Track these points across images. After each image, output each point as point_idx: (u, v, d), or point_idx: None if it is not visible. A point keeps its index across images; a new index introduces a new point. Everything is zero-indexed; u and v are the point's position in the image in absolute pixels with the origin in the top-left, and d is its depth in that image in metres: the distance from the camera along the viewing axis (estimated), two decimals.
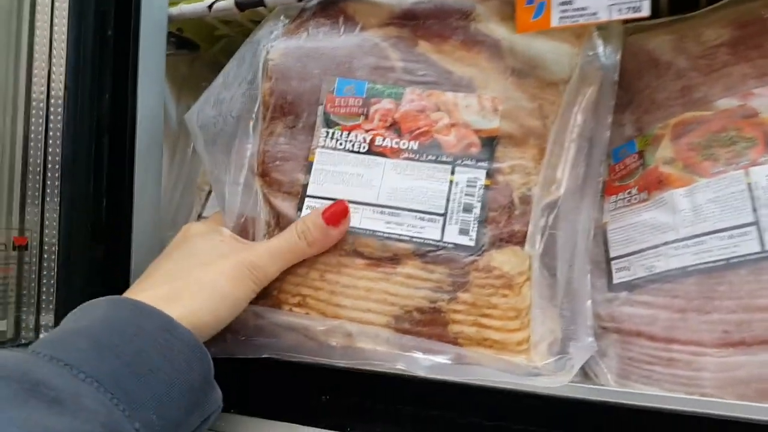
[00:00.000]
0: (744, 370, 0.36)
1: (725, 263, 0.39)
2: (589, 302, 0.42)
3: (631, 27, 0.49)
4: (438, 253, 0.42)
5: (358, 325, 0.41)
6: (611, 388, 0.39)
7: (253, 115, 0.47)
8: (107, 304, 0.34)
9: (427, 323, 0.41)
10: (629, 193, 0.46)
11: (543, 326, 0.41)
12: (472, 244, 0.42)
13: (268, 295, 0.44)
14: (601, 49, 0.46)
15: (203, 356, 0.34)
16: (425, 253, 0.42)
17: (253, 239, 0.45)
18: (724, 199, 0.40)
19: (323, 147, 0.45)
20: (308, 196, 0.45)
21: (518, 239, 0.43)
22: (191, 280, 0.38)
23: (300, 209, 0.44)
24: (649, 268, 0.42)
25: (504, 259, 0.42)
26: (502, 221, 0.43)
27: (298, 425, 0.44)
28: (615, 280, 0.44)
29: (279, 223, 0.45)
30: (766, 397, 0.35)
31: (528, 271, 0.42)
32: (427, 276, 0.42)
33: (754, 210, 0.39)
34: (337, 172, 0.45)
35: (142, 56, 0.46)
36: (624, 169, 0.47)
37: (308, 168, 0.45)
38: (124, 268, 0.43)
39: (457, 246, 0.42)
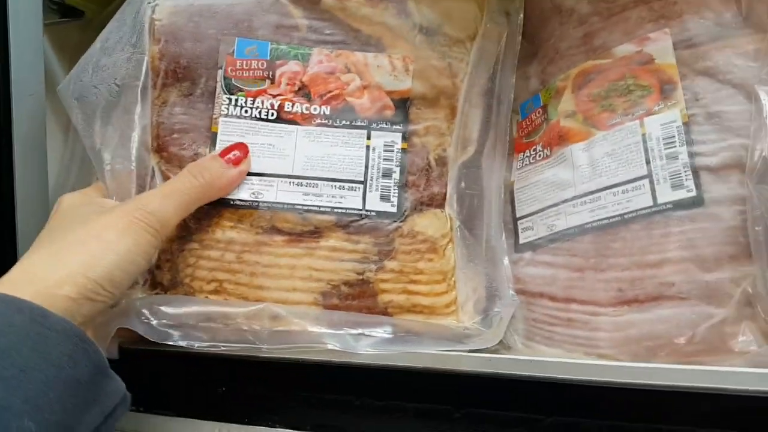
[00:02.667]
0: (636, 329, 0.38)
1: (620, 219, 0.40)
2: (506, 259, 0.45)
3: None
4: (361, 222, 0.43)
5: (284, 306, 0.40)
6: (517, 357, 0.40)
7: (140, 83, 0.43)
8: None
9: (356, 296, 0.42)
10: (534, 150, 0.47)
11: (467, 286, 0.44)
12: (394, 210, 0.43)
13: (179, 283, 0.42)
14: (505, 2, 0.47)
15: (86, 345, 0.31)
16: (348, 223, 0.42)
17: None
18: (620, 153, 0.41)
19: (227, 115, 0.43)
20: None
21: (438, 202, 0.44)
22: (67, 242, 0.34)
23: None
24: (549, 227, 0.44)
25: (427, 223, 0.43)
26: (422, 184, 0.44)
27: (194, 419, 0.44)
28: (520, 241, 0.46)
29: None
30: (655, 355, 0.37)
31: (450, 233, 0.44)
32: (352, 247, 0.42)
33: (647, 162, 0.39)
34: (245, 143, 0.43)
35: (12, 30, 0.41)
36: (530, 125, 0.49)
37: (212, 139, 0.43)
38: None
39: (379, 213, 0.43)
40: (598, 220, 0.41)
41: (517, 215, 0.47)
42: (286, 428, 0.43)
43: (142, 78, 0.44)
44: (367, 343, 0.40)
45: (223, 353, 0.42)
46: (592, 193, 0.42)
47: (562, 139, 0.45)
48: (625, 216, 0.40)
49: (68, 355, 0.29)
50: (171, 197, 0.38)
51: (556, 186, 0.44)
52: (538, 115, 0.48)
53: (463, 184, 0.46)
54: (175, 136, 0.44)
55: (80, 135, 0.42)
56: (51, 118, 0.45)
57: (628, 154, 0.40)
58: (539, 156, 0.47)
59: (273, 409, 0.44)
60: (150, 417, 0.44)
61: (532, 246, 0.45)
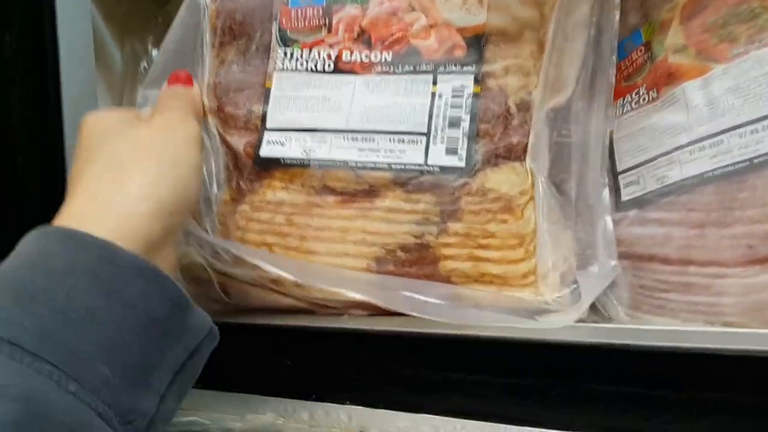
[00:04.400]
0: None
1: (748, 164, 0.34)
2: (609, 218, 0.37)
3: None
4: (422, 179, 0.38)
5: (335, 271, 0.37)
6: (617, 325, 0.36)
7: (199, 44, 0.42)
8: (35, 238, 0.29)
9: (414, 262, 0.37)
10: (637, 93, 0.41)
11: (554, 254, 0.37)
12: (461, 164, 0.37)
13: None
14: None
15: (161, 280, 0.29)
16: (407, 180, 0.38)
17: (215, 188, 0.41)
18: (746, 87, 0.35)
19: (282, 69, 0.41)
20: (267, 129, 0.40)
21: (518, 154, 0.38)
22: (125, 158, 0.32)
23: (259, 146, 0.40)
24: (660, 179, 0.38)
25: (501, 179, 0.37)
26: (497, 134, 0.38)
27: (257, 395, 0.43)
28: (624, 197, 0.40)
29: (237, 165, 0.41)
30: None
31: (531, 190, 0.37)
32: (410, 207, 0.38)
33: None
34: (299, 98, 0.40)
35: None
36: (630, 65, 0.42)
37: (266, 96, 0.41)
38: None
39: (443, 168, 0.37)
40: (722, 167, 0.35)
41: (618, 169, 0.41)
42: (357, 405, 0.40)
43: (201, 39, 0.43)
44: (427, 304, 0.34)
45: (285, 324, 0.40)
46: (712, 136, 0.36)
47: (671, 77, 0.39)
48: (755, 160, 0.34)
49: (142, 293, 0.28)
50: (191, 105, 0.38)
51: (666, 131, 0.38)
52: (639, 53, 0.41)
53: (552, 133, 0.39)
54: (231, 95, 0.42)
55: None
56: (101, 87, 0.46)
57: (756, 88, 0.35)
58: (643, 99, 0.40)
59: (342, 385, 0.41)
60: (207, 393, 0.43)
61: (639, 202, 0.39)
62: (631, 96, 0.41)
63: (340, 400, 0.41)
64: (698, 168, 0.36)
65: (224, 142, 0.42)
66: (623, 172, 0.40)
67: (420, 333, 0.37)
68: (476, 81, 0.39)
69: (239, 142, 0.41)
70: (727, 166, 0.35)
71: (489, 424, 0.37)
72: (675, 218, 0.37)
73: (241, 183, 0.40)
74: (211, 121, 0.42)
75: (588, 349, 0.35)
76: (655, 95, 0.39)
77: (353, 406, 0.40)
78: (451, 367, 0.38)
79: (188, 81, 0.39)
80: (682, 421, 0.33)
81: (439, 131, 0.38)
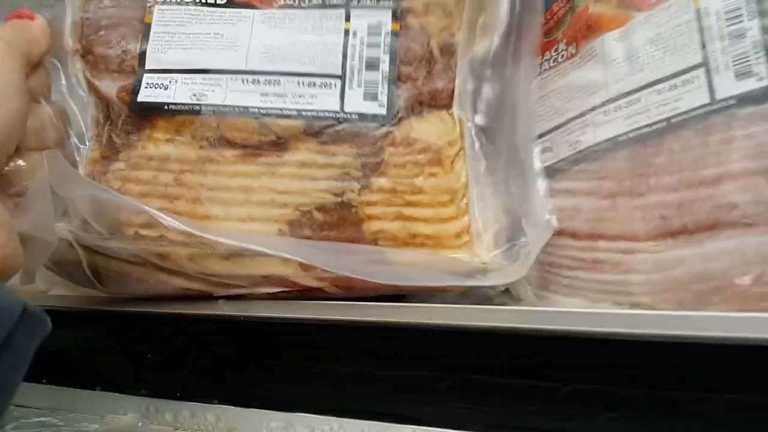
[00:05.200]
0: (684, 268, 0.30)
1: (665, 125, 0.31)
2: (541, 176, 0.34)
3: None
4: (339, 128, 0.33)
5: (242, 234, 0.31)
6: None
7: None
8: None
9: (335, 225, 0.32)
10: (556, 49, 0.37)
11: (486, 211, 0.33)
12: (383, 111, 0.33)
13: None
14: None
15: None
16: (321, 130, 0.32)
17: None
18: (667, 37, 0.31)
19: (164, 2, 0.34)
20: (147, 70, 0.33)
21: (444, 101, 0.34)
22: None
23: (137, 91, 0.33)
24: (573, 144, 0.34)
25: (428, 128, 0.33)
26: (420, 78, 0.34)
27: (116, 393, 0.38)
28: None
29: (110, 115, 0.33)
30: (707, 302, 0.29)
31: (460, 140, 0.33)
32: (326, 161, 0.32)
33: (703, 46, 0.30)
34: (185, 34, 0.34)
35: None
36: (552, 18, 0.38)
37: (145, 32, 0.33)
38: None
39: (362, 116, 0.33)
40: (637, 128, 0.32)
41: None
42: (226, 404, 0.36)
43: None
44: (346, 264, 0.29)
45: (145, 311, 0.35)
46: (629, 93, 0.32)
47: (590, 30, 0.35)
48: (673, 120, 0.30)
49: None
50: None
51: (582, 90, 0.34)
52: (561, 4, 0.37)
53: (478, 79, 0.35)
54: (101, 33, 0.35)
55: None
56: None
57: (677, 38, 0.31)
58: (562, 56, 0.36)
59: (210, 381, 0.37)
60: (63, 391, 0.37)
61: (552, 171, 0.35)
62: (550, 53, 0.37)
63: (208, 399, 0.37)
64: (612, 131, 0.32)
65: (93, 89, 0.34)
66: (538, 137, 0.36)
67: (296, 318, 0.32)
68: (395, 17, 0.34)
69: (111, 87, 0.33)
70: (643, 127, 0.31)
71: (370, 422, 0.34)
72: (585, 188, 0.33)
73: (114, 136, 0.33)
74: (78, 65, 0.34)
75: (479, 334, 0.31)
76: (573, 51, 0.35)
77: (221, 406, 0.36)
78: (330, 358, 0.35)
79: (30, 17, 0.31)
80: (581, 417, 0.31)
81: (355, 74, 0.33)
